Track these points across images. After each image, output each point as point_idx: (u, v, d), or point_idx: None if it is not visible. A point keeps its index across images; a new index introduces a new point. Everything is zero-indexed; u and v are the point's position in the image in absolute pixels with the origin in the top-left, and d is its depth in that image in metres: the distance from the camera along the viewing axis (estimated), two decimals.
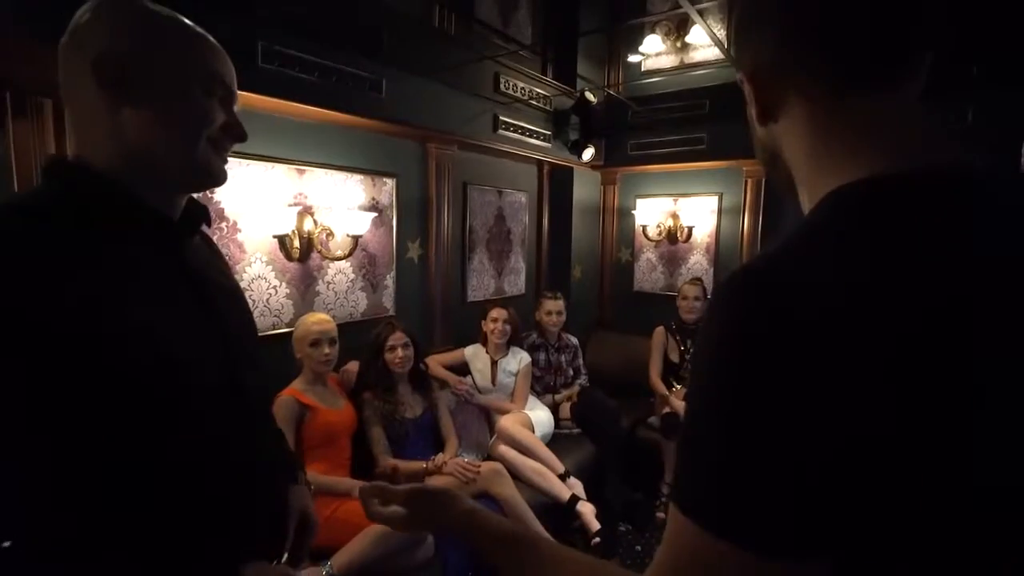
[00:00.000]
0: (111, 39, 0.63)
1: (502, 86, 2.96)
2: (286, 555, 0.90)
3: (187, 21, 0.69)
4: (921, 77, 0.46)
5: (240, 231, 2.06)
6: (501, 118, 3.00)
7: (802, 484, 0.35)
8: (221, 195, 1.98)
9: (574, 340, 3.23)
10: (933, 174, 0.41)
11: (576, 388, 3.13)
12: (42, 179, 0.67)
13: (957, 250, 0.38)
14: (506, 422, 2.56)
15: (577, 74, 3.49)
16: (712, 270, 3.60)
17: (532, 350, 3.05)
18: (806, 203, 0.49)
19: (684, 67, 3.54)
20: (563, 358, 3.15)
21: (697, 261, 3.67)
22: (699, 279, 3.19)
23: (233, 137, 0.72)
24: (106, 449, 0.59)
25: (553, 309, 3.07)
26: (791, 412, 0.35)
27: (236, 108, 0.74)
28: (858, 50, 0.44)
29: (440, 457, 2.17)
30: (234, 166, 1.95)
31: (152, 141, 0.66)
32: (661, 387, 3.05)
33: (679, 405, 2.85)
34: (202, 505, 0.68)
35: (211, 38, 0.72)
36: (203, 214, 0.77)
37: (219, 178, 0.73)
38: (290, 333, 2.07)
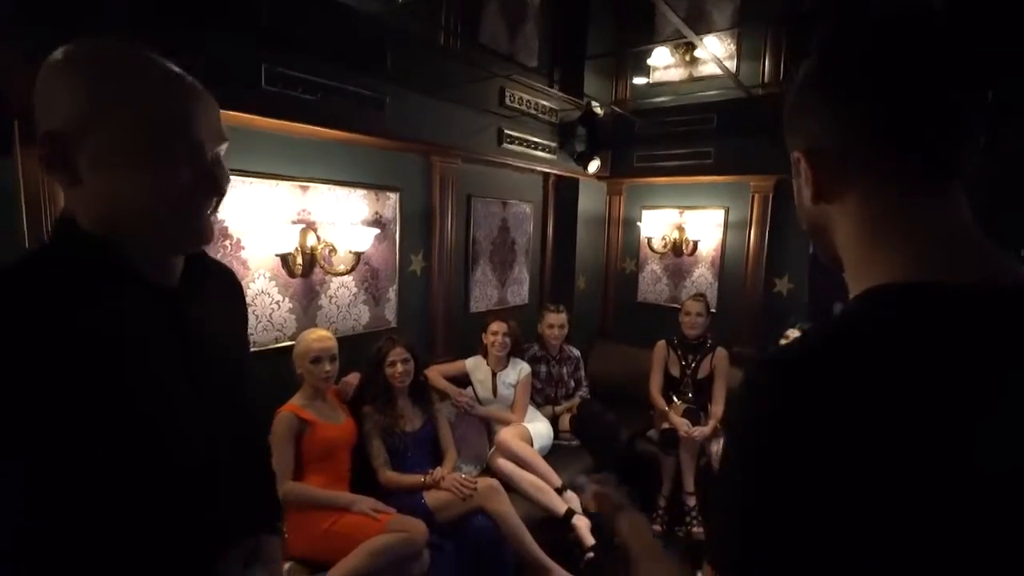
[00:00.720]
0: (56, 111, 0.61)
1: (507, 100, 2.97)
2: None
3: (157, 61, 0.64)
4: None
5: (244, 248, 2.11)
6: (506, 131, 3.02)
7: (817, 561, 0.41)
8: (224, 213, 2.03)
9: (576, 352, 3.25)
10: (976, 289, 0.44)
11: (577, 400, 3.14)
12: (51, 236, 0.67)
13: (976, 371, 0.41)
14: (505, 435, 2.59)
15: (583, 89, 3.49)
16: (716, 284, 3.59)
17: (533, 362, 3.07)
18: (851, 283, 0.52)
19: (692, 80, 3.52)
20: (564, 370, 3.16)
21: (702, 274, 3.66)
22: (702, 295, 3.19)
23: (210, 191, 0.67)
24: (89, 514, 0.60)
25: (555, 323, 3.08)
26: (805, 495, 0.41)
27: (223, 148, 0.69)
28: (924, 152, 0.47)
29: (439, 471, 2.21)
30: (237, 184, 2.01)
31: (127, 208, 0.63)
32: (661, 402, 3.06)
33: (678, 421, 2.85)
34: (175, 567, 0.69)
35: (187, 77, 0.67)
36: (207, 269, 0.78)
37: (204, 237, 0.69)
38: (292, 347, 2.11)
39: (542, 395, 3.10)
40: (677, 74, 3.66)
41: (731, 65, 3.42)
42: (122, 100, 0.61)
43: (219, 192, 0.68)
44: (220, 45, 1.80)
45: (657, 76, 3.73)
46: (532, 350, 3.15)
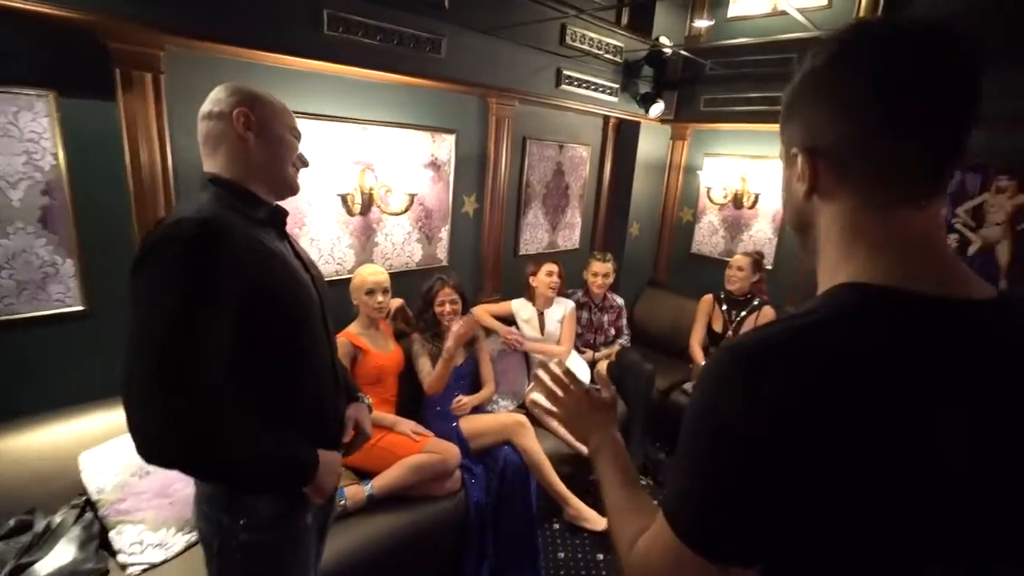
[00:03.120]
0: (243, 105, 1.04)
1: (568, 38, 2.86)
2: (343, 450, 1.25)
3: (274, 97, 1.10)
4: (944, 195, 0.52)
5: (306, 187, 2.27)
6: (565, 72, 2.93)
7: (753, 518, 0.48)
8: None
9: (619, 300, 3.29)
10: (939, 300, 0.49)
11: (616, 348, 3.23)
12: (209, 185, 1.02)
13: (921, 373, 0.46)
14: (542, 372, 2.73)
15: (653, 25, 3.26)
16: (776, 240, 3.45)
17: (578, 308, 3.16)
18: (823, 279, 0.57)
19: (777, 13, 3.19)
20: (605, 318, 3.22)
21: (761, 229, 3.52)
22: (755, 253, 3.08)
23: (302, 164, 1.14)
24: (274, 355, 1.00)
25: (600, 271, 3.12)
26: (749, 468, 0.47)
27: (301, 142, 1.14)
28: (921, 166, 0.50)
29: (473, 398, 2.43)
30: (304, 124, 2.14)
31: (266, 161, 1.06)
32: (699, 355, 3.09)
33: None
34: (317, 403, 1.11)
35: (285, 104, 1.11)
36: (286, 213, 1.14)
37: (296, 189, 1.14)
38: (349, 280, 2.31)
39: (581, 340, 3.20)
40: (759, 6, 3.33)
41: None
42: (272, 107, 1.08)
43: (307, 164, 1.16)
44: None
45: (736, 9, 3.40)
46: (575, 295, 3.23)
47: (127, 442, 1.66)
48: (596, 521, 2.40)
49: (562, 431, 2.58)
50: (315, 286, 1.12)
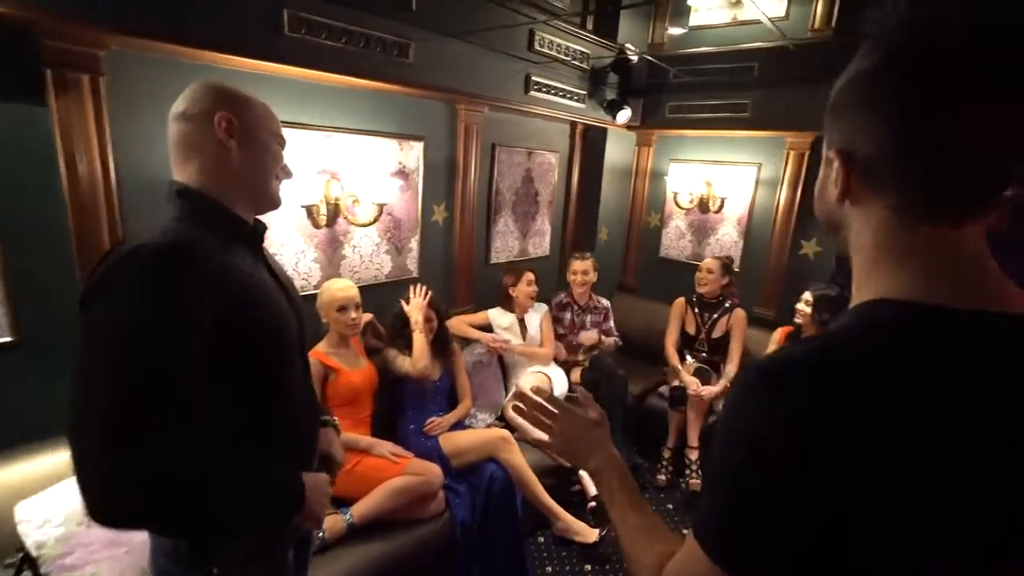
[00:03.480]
0: (226, 107, 0.91)
1: (536, 44, 2.83)
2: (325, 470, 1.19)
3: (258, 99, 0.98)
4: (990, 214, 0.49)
5: None
6: (534, 78, 2.90)
7: (782, 542, 0.45)
8: None
9: (605, 302, 3.24)
10: (976, 315, 0.46)
11: (610, 340, 3.16)
12: (177, 199, 0.90)
13: (955, 397, 0.43)
14: (523, 383, 2.69)
15: (618, 33, 3.28)
16: (742, 243, 3.52)
17: (559, 308, 3.14)
18: (855, 289, 0.54)
19: (737, 24, 3.27)
20: (588, 319, 3.17)
21: (727, 232, 3.59)
22: (724, 257, 3.13)
23: (286, 175, 1.02)
24: (248, 389, 0.90)
25: (579, 269, 3.09)
26: (779, 492, 0.45)
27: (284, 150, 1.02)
28: (960, 188, 0.47)
29: (449, 416, 2.35)
30: None
31: (249, 173, 0.94)
32: (674, 358, 3.11)
33: (688, 379, 2.91)
34: (294, 430, 1.02)
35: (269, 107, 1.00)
36: (265, 229, 1.03)
37: (278, 203, 1.02)
38: (316, 295, 2.18)
39: (565, 341, 3.14)
40: (720, 16, 3.41)
41: (782, 7, 3.17)
42: (257, 112, 0.97)
43: (290, 175, 1.04)
44: None
45: (698, 19, 3.48)
46: (559, 297, 3.19)
47: (69, 487, 1.48)
48: (587, 533, 2.35)
49: (544, 441, 2.52)
50: (293, 306, 1.03)
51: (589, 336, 3.04)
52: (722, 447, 0.50)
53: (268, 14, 1.82)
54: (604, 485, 0.78)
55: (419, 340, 2.27)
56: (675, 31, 3.16)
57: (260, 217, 1.02)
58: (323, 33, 1.97)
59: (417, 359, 2.24)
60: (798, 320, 2.69)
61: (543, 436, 0.88)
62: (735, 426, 0.49)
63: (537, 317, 2.97)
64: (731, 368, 3.00)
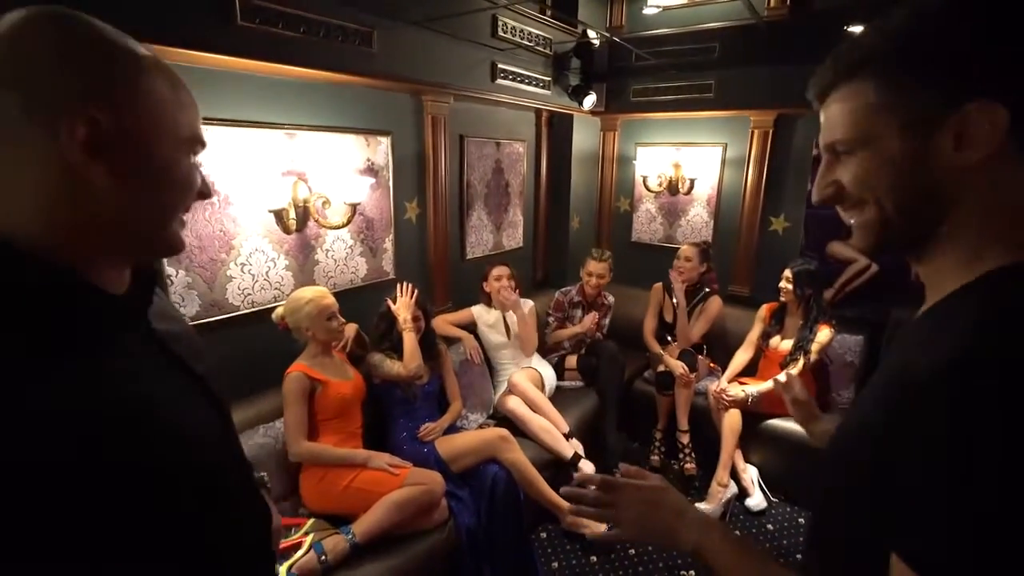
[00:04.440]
0: (91, 97, 0.48)
1: (500, 30, 2.75)
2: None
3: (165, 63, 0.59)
4: None
5: (232, 204, 1.96)
6: (500, 66, 2.82)
7: None
8: (210, 167, 1.86)
9: (610, 299, 3.20)
10: None
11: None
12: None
13: None
14: (518, 377, 2.62)
15: (577, 14, 3.23)
16: (713, 223, 3.56)
17: (571, 306, 3.10)
18: (948, 260, 0.49)
19: (697, 4, 3.28)
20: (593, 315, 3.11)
21: (697, 213, 3.62)
22: (702, 243, 3.13)
23: (202, 197, 0.60)
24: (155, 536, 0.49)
25: (594, 271, 3.03)
26: None
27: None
28: None
29: (443, 420, 2.27)
30: (219, 134, 1.84)
31: (132, 215, 0.52)
32: (655, 345, 3.11)
33: (674, 363, 2.90)
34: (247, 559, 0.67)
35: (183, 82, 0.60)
36: (152, 283, 0.61)
37: (181, 247, 0.59)
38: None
39: (573, 340, 3.08)
40: None
41: None
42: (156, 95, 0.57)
43: (208, 196, 0.61)
44: None
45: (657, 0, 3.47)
46: (570, 294, 3.15)
47: None
48: (596, 524, 2.32)
49: (541, 436, 2.47)
50: (211, 400, 0.63)
51: (590, 318, 2.97)
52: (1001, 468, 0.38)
53: (216, 1, 1.67)
54: (713, 557, 0.63)
55: (410, 339, 2.17)
56: (651, 10, 3.11)
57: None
58: (279, 22, 1.83)
59: (409, 359, 2.14)
60: (783, 298, 2.74)
61: (604, 527, 0.76)
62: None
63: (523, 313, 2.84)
64: (686, 335, 2.97)
